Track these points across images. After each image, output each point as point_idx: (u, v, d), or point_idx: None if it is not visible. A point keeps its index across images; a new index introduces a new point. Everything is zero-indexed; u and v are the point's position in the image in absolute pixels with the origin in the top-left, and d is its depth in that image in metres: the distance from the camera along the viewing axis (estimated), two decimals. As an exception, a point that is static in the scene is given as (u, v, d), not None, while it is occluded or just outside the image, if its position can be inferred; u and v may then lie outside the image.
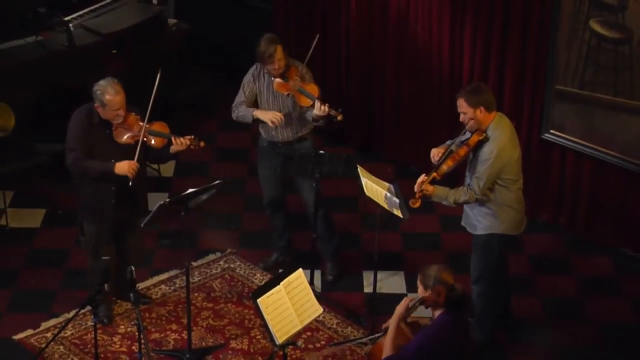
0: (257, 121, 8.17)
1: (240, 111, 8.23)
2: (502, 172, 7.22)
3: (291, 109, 8.15)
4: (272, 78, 8.10)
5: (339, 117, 8.01)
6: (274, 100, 8.16)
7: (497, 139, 7.18)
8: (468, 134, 7.34)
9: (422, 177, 7.25)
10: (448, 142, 7.48)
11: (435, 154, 7.39)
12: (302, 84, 8.04)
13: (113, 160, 7.46)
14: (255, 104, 8.24)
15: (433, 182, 7.25)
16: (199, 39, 11.09)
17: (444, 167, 7.25)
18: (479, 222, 7.42)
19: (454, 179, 7.71)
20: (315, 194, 8.10)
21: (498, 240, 7.41)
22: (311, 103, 8.01)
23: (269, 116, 8.06)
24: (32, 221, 9.25)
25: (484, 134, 7.21)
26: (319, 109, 7.96)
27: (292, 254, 8.65)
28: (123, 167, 7.46)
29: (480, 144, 7.22)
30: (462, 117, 7.24)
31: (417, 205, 7.27)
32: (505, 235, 7.41)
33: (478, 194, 7.23)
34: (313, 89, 8.05)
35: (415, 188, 7.26)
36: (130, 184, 7.45)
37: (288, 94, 8.07)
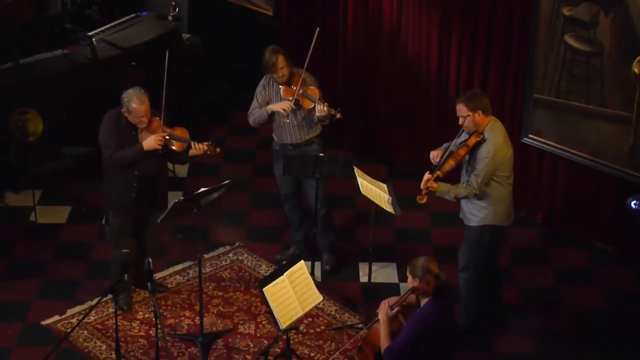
0: (271, 127, 8.20)
1: (255, 114, 8.25)
2: (497, 169, 7.25)
3: (298, 113, 8.17)
4: (280, 86, 8.13)
5: (338, 115, 8.03)
6: None
7: (493, 139, 7.21)
8: (464, 137, 7.35)
9: (427, 176, 7.25)
10: (444, 145, 7.49)
11: (435, 155, 7.39)
12: (304, 88, 8.08)
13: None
14: None
15: (437, 179, 7.27)
16: (210, 52, 11.09)
17: (447, 167, 7.26)
18: (474, 215, 7.42)
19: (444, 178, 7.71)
20: (316, 194, 8.11)
21: (490, 231, 7.43)
22: (313, 105, 8.03)
23: (280, 105, 8.09)
24: (58, 217, 9.25)
25: (481, 136, 7.23)
26: (320, 110, 7.99)
27: (309, 247, 8.54)
28: (150, 142, 7.48)
29: (478, 144, 7.25)
30: (461, 120, 7.25)
31: (424, 200, 7.27)
32: (497, 226, 7.42)
33: (476, 189, 7.25)
34: (314, 92, 8.08)
35: (422, 185, 7.25)
36: (160, 151, 7.48)
37: (293, 99, 8.09)
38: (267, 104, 8.23)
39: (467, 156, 7.33)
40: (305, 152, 8.19)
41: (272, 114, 8.18)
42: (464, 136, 7.37)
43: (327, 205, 8.42)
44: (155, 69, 9.84)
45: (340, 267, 8.58)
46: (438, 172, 7.25)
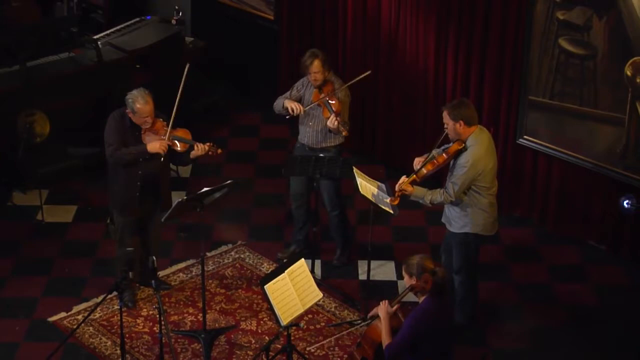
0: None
1: (278, 101, 8.27)
2: (476, 179, 7.22)
3: (320, 120, 8.17)
4: (313, 88, 8.16)
5: (344, 133, 8.04)
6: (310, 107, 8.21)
7: (474, 149, 7.18)
8: (451, 143, 7.36)
9: (403, 178, 7.26)
10: (428, 154, 7.49)
11: (417, 162, 7.39)
12: (329, 98, 8.08)
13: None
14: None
15: (413, 183, 7.27)
16: (213, 55, 11.11)
17: (424, 171, 7.25)
18: (455, 221, 7.43)
19: (436, 182, 7.73)
20: (316, 193, 8.11)
21: (474, 239, 7.43)
22: (329, 115, 8.03)
23: (292, 104, 8.13)
24: (65, 216, 9.27)
25: (463, 144, 7.22)
26: (330, 121, 7.98)
27: (309, 247, 8.55)
28: (155, 146, 7.48)
29: (459, 152, 7.23)
30: (445, 127, 7.27)
31: (396, 202, 7.31)
32: (480, 235, 7.43)
33: (452, 197, 7.23)
34: (336, 105, 8.06)
35: (396, 187, 7.28)
36: (162, 159, 7.48)
37: (317, 104, 8.10)
38: (297, 100, 8.23)
39: (450, 163, 7.33)
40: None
41: (287, 109, 8.17)
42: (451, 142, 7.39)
43: (341, 207, 8.44)
44: (159, 71, 9.91)
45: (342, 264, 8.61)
46: (414, 176, 7.25)
